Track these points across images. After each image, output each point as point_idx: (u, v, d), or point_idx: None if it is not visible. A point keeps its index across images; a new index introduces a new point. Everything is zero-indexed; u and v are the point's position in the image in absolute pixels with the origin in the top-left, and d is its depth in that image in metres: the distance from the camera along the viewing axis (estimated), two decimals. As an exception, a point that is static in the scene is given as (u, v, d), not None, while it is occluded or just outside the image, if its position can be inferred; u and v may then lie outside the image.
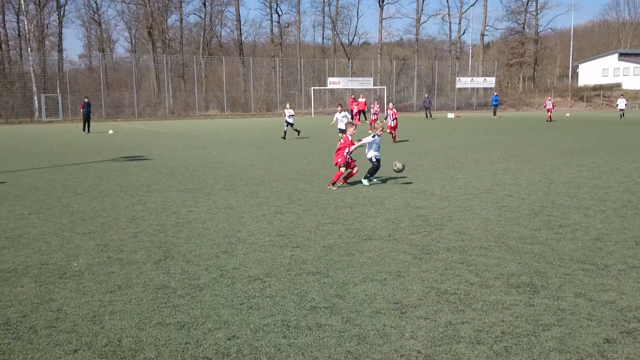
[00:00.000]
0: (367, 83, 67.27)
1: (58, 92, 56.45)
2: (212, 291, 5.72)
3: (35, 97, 56.99)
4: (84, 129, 35.05)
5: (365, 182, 12.55)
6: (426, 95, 55.11)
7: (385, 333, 4.63)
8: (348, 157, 12.49)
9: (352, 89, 63.59)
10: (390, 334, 4.62)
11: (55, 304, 5.40)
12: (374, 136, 12.74)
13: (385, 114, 29.62)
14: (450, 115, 55.21)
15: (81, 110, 36.37)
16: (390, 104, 27.21)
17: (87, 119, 35.24)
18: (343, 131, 21.36)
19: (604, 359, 4.13)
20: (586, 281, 5.86)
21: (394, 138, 24.74)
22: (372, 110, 47.33)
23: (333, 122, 23.90)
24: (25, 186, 13.06)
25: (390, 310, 5.14)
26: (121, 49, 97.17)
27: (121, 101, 61.00)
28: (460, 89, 73.94)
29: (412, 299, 5.42)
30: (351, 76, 69.88)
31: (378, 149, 12.81)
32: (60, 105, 54.75)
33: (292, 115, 28.20)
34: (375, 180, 12.72)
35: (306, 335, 4.61)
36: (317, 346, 4.42)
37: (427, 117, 50.04)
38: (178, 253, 7.17)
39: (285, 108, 28.55)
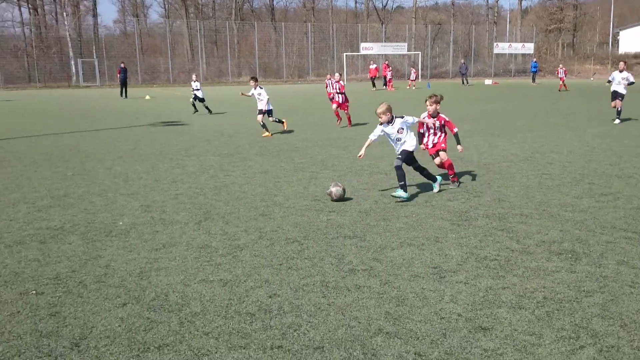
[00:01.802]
0: (401, 48, 66.28)
1: (94, 57, 57.14)
2: (252, 251, 5.82)
3: (72, 62, 57.81)
4: (121, 94, 35.50)
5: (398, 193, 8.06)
6: (462, 61, 54.12)
7: (425, 296, 4.67)
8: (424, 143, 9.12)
9: (385, 55, 62.75)
10: (430, 297, 4.65)
11: (103, 260, 5.57)
12: (381, 124, 8.24)
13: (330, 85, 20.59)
14: (488, 81, 54.21)
15: (118, 75, 36.81)
16: (337, 75, 18.91)
17: (124, 84, 35.66)
18: (263, 112, 16.02)
19: (647, 326, 4.10)
20: (629, 249, 5.77)
21: (349, 121, 18.18)
22: (411, 76, 46.79)
23: (248, 94, 16.82)
24: (67, 148, 13.37)
25: (429, 274, 5.16)
26: (155, 14, 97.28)
27: (156, 67, 61.45)
28: (497, 55, 72.34)
29: (451, 264, 5.43)
30: (385, 41, 68.89)
31: (396, 143, 8.27)
32: (96, 70, 55.50)
33: (198, 89, 23.48)
34: (401, 194, 7.95)
35: (345, 296, 4.68)
36: (356, 306, 4.48)
37: (463, 83, 49.22)
38: (218, 215, 7.30)
39: (192, 80, 24.12)
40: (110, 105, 29.26)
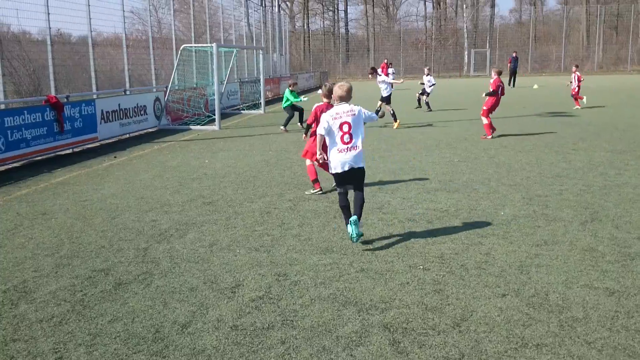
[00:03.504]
0: None
1: (487, 47, 58.51)
2: (647, 263, 5.20)
3: (466, 53, 60.38)
4: (509, 83, 35.61)
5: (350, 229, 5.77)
6: None
7: None
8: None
9: None
10: None
11: (483, 248, 5.74)
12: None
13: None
14: None
15: (508, 64, 36.94)
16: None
17: (513, 74, 35.64)
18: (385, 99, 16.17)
19: None
20: None
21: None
22: None
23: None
24: (454, 136, 14.10)
25: None
26: (552, 1, 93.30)
27: (548, 55, 59.58)
28: None
29: None
30: None
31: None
32: (488, 60, 56.81)
33: (433, 84, 20.47)
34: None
35: None
36: None
37: None
38: (606, 217, 6.73)
39: (425, 74, 20.85)
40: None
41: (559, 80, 42.36)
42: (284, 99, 16.17)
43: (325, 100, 8.14)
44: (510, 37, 61.28)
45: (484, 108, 13.63)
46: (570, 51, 59.43)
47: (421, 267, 5.24)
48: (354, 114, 5.78)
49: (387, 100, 16.18)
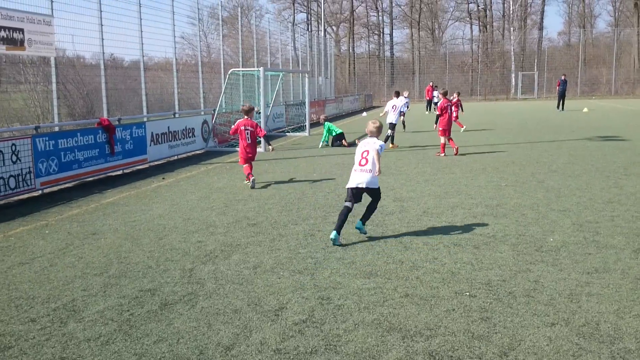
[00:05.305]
0: None
1: (535, 70, 57.68)
2: None
3: (513, 75, 59.66)
4: (558, 107, 34.94)
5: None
6: None
7: None
8: None
9: None
10: None
11: (532, 275, 5.59)
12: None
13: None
14: None
15: (557, 87, 36.29)
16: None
17: (562, 97, 34.97)
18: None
19: None
20: None
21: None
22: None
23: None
24: (501, 160, 13.88)
25: None
26: (602, 23, 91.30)
27: (598, 78, 58.28)
28: None
29: None
30: None
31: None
32: (535, 83, 56.00)
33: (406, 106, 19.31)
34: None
35: None
36: None
37: None
38: (662, 245, 6.48)
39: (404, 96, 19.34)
40: (546, 117, 29.07)
41: (610, 104, 41.33)
42: (330, 132, 18.00)
43: (245, 116, 10.84)
44: (559, 59, 60.23)
45: (440, 129, 15.10)
46: (621, 74, 58.00)
47: (467, 293, 5.14)
48: (375, 145, 7.06)
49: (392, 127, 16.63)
